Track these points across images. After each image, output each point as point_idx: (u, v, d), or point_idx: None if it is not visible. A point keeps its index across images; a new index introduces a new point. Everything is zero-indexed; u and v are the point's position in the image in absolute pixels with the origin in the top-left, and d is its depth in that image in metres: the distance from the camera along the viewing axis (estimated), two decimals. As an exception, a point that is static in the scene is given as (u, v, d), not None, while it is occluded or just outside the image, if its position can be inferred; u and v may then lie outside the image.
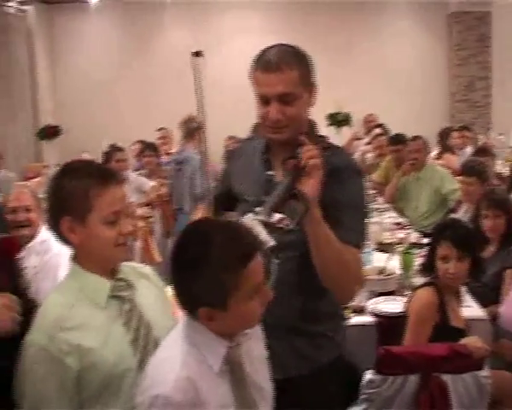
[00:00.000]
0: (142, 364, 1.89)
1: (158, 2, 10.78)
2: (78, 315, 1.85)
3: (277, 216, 1.86)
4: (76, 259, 1.96)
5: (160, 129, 8.78)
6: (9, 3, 10.32)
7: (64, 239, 1.93)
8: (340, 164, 2.15)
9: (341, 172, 2.12)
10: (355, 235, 2.10)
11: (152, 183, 6.64)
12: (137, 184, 6.53)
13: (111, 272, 1.97)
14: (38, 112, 11.02)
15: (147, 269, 2.21)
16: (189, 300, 1.68)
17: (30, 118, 10.88)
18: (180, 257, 1.70)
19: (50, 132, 8.40)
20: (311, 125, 2.24)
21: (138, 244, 5.63)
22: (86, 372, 1.83)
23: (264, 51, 2.15)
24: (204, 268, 1.61)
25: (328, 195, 2.00)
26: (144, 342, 1.96)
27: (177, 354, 1.69)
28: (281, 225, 1.86)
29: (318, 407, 2.19)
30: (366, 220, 2.24)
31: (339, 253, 2.01)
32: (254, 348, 1.88)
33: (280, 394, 2.07)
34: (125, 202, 2.01)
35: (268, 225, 1.83)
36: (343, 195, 2.08)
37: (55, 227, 1.93)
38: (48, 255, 3.54)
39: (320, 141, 2.16)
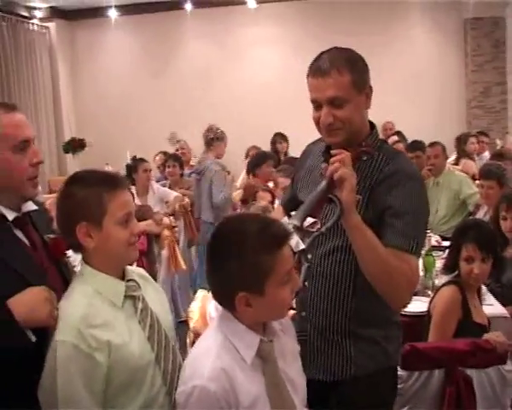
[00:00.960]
0: (158, 358, 2.03)
1: (177, 15, 10.91)
2: (100, 314, 1.95)
3: (310, 220, 1.94)
4: (89, 262, 2.04)
5: (178, 141, 8.87)
6: (32, 21, 10.56)
7: (77, 245, 2.02)
8: (397, 168, 2.16)
9: (395, 177, 2.13)
10: (406, 239, 2.07)
11: (175, 193, 6.73)
12: (161, 195, 6.63)
13: (121, 274, 2.09)
14: (61, 126, 11.19)
15: (143, 271, 2.32)
16: (228, 286, 1.76)
17: (53, 131, 11.04)
18: (218, 245, 1.81)
19: (76, 145, 8.54)
20: (372, 129, 2.28)
21: (165, 253, 5.76)
22: (114, 367, 1.93)
23: (318, 56, 2.21)
24: (243, 252, 1.72)
25: (381, 200, 2.07)
26: (158, 338, 2.07)
27: (212, 346, 1.80)
28: (313, 230, 1.95)
29: None
30: (422, 226, 2.20)
31: (382, 259, 2.02)
32: (287, 343, 1.97)
33: (325, 395, 2.18)
34: (133, 204, 2.14)
35: (300, 230, 1.90)
36: (396, 200, 2.09)
37: (70, 234, 2.00)
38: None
39: (378, 147, 2.21)
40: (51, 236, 2.23)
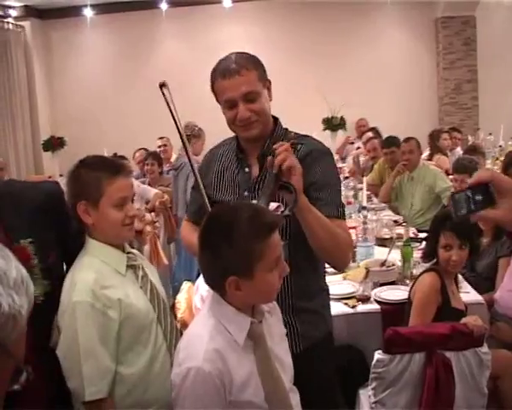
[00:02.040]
0: (159, 317, 2.30)
1: (153, 14, 10.93)
2: (109, 278, 2.21)
3: (273, 205, 2.06)
4: (92, 235, 2.29)
5: (161, 138, 8.89)
6: (6, 19, 10.50)
7: (80, 220, 2.27)
8: (310, 149, 2.39)
9: (311, 156, 2.36)
10: (336, 208, 2.32)
11: (155, 190, 6.77)
12: (141, 192, 6.67)
13: (121, 249, 2.33)
14: (37, 124, 11.16)
15: (135, 250, 2.55)
16: (219, 271, 1.84)
17: (29, 130, 11.00)
18: (210, 231, 1.89)
19: (55, 143, 8.55)
20: (275, 121, 2.48)
21: (147, 248, 5.81)
22: (125, 323, 2.18)
23: (220, 62, 2.37)
24: (234, 238, 1.79)
25: (304, 178, 2.19)
26: (157, 301, 2.33)
27: (205, 329, 1.87)
28: (278, 213, 2.06)
29: (316, 383, 2.36)
30: (340, 193, 2.47)
31: (329, 229, 2.21)
32: (274, 325, 2.07)
33: None
34: (132, 190, 2.39)
35: None
36: (317, 175, 2.31)
37: (73, 210, 2.27)
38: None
39: (288, 135, 2.37)
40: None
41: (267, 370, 1.91)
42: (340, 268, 2.60)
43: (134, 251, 2.46)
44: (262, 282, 1.84)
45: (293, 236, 2.31)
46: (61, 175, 8.90)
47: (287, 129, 2.47)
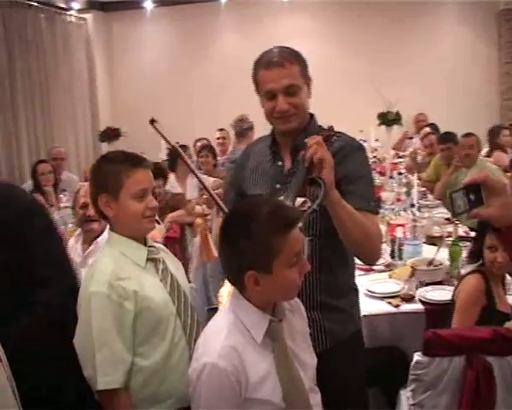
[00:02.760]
0: (178, 310, 2.32)
1: (212, 6, 10.98)
2: (126, 270, 2.25)
3: (300, 200, 2.05)
4: (114, 229, 2.35)
5: (220, 130, 8.96)
6: (69, 12, 10.73)
7: (102, 213, 2.34)
8: (343, 144, 2.39)
9: (344, 151, 2.36)
10: (368, 201, 2.32)
11: (212, 179, 6.80)
12: (197, 182, 6.77)
13: (142, 241, 2.38)
14: (98, 116, 11.35)
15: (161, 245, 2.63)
16: (238, 264, 1.84)
17: (89, 121, 11.21)
18: (230, 225, 1.90)
19: (111, 134, 8.73)
20: (312, 118, 2.49)
21: (197, 240, 5.86)
22: (141, 315, 2.21)
23: (264, 54, 2.41)
24: (252, 231, 1.79)
25: (336, 173, 2.18)
26: (178, 294, 2.35)
27: (223, 325, 1.88)
28: (304, 208, 2.05)
29: (341, 382, 2.36)
30: (373, 187, 2.49)
31: (360, 223, 2.21)
32: (296, 324, 2.06)
33: None
34: (151, 182, 2.40)
35: None
36: (349, 169, 2.31)
37: (95, 203, 2.34)
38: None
39: (322, 130, 2.37)
40: None
41: (285, 369, 1.91)
42: (371, 262, 2.55)
43: (157, 245, 2.51)
44: (281, 277, 1.83)
45: (324, 232, 2.32)
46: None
47: (321, 126, 2.47)
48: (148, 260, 2.35)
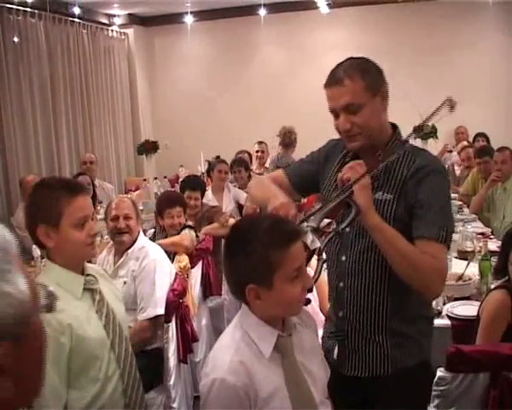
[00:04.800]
0: (112, 344, 2.29)
1: (251, 20, 11.02)
2: (61, 302, 2.11)
3: (326, 221, 2.07)
4: (51, 258, 2.27)
5: (260, 143, 9.04)
6: (111, 27, 10.94)
7: (40, 243, 2.26)
8: (423, 164, 2.23)
9: (423, 172, 2.20)
10: (437, 230, 2.13)
11: (245, 194, 6.86)
12: (234, 194, 6.85)
13: (80, 269, 2.32)
14: (139, 129, 11.53)
15: (100, 268, 2.61)
16: (239, 278, 1.85)
17: (130, 134, 11.41)
18: (232, 239, 1.91)
19: (149, 147, 8.85)
20: (394, 130, 2.36)
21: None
22: (75, 349, 2.16)
23: (334, 67, 2.29)
24: (252, 245, 1.80)
25: (411, 194, 2.16)
26: (113, 327, 2.32)
27: (231, 341, 1.90)
28: (329, 230, 2.06)
29: (401, 407, 2.28)
30: (450, 216, 2.25)
31: (405, 253, 2.09)
32: (306, 338, 2.05)
33: (364, 391, 2.26)
34: (91, 209, 2.35)
35: (316, 230, 2.03)
36: (425, 193, 2.16)
37: (33, 234, 2.25)
38: (146, 261, 3.80)
39: (398, 147, 2.27)
40: None
41: (295, 383, 1.91)
42: (429, 296, 2.35)
43: (95, 273, 2.43)
44: (282, 292, 1.83)
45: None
46: (155, 178, 9.16)
47: (407, 140, 2.33)
48: (84, 289, 2.29)
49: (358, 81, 2.20)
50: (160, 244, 4.23)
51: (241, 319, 1.95)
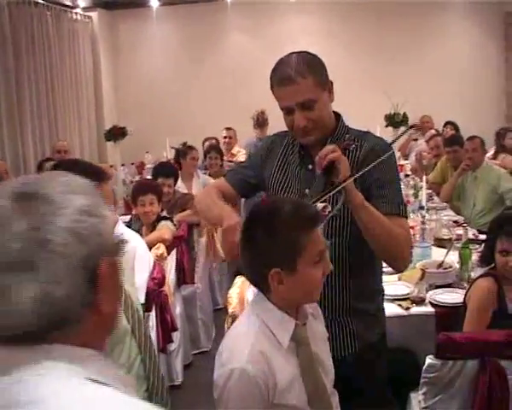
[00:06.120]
0: (133, 329, 2.31)
1: (218, 6, 10.99)
2: None
3: (320, 205, 2.04)
4: None
5: (228, 129, 8.98)
6: (75, 10, 10.74)
7: None
8: (372, 145, 2.36)
9: (374, 153, 2.28)
10: (397, 205, 2.30)
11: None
12: (203, 181, 6.79)
13: None
14: (102, 114, 11.38)
15: None
16: (262, 263, 1.82)
17: (94, 120, 11.24)
18: (253, 224, 1.88)
19: (117, 133, 8.70)
20: (337, 119, 2.45)
21: (203, 240, 5.87)
22: None
23: (278, 65, 2.33)
24: (277, 229, 1.79)
25: (367, 175, 2.20)
26: (132, 312, 2.33)
27: (249, 330, 1.85)
28: (325, 213, 2.04)
29: (369, 384, 2.37)
30: (401, 191, 2.45)
31: (387, 228, 2.19)
32: (317, 329, 2.05)
33: (335, 373, 2.27)
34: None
35: None
36: (379, 172, 2.26)
37: None
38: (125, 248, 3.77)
39: (347, 132, 2.40)
40: None
41: (310, 373, 1.89)
42: (399, 269, 2.54)
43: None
44: (305, 276, 1.82)
45: (352, 236, 2.30)
46: (122, 164, 9.05)
47: (348, 126, 2.46)
48: None
49: (309, 77, 2.25)
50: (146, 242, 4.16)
51: (256, 307, 1.92)
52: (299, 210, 1.84)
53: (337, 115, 2.46)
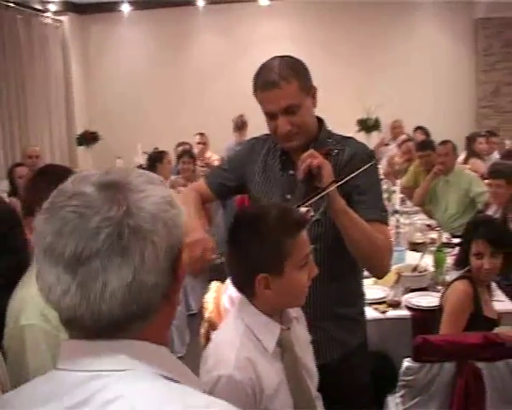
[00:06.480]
0: None
1: (189, 10, 10.94)
2: None
3: (303, 210, 2.02)
4: None
5: (201, 134, 8.94)
6: (45, 14, 10.61)
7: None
8: (354, 152, 2.34)
9: (356, 159, 2.30)
10: (379, 212, 2.28)
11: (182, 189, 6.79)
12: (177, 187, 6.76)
13: None
14: (73, 119, 11.23)
15: None
16: (249, 268, 1.81)
17: (64, 124, 11.08)
18: (240, 229, 1.86)
19: (89, 138, 8.61)
20: (320, 123, 2.44)
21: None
22: None
23: (262, 69, 2.30)
24: (264, 233, 1.78)
25: (347, 182, 2.17)
26: None
27: (235, 336, 1.82)
28: (308, 217, 2.01)
29: (351, 389, 2.36)
30: (382, 196, 2.44)
31: (368, 234, 2.17)
32: (301, 332, 2.04)
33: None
34: None
35: None
36: (361, 179, 2.22)
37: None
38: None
39: (330, 137, 2.39)
40: None
41: (296, 378, 1.88)
42: (379, 275, 2.49)
43: None
44: (292, 280, 1.81)
45: (333, 242, 2.28)
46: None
47: (330, 131, 2.45)
48: None
49: (294, 82, 2.24)
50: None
51: (241, 312, 1.89)
52: (286, 214, 1.83)
53: (320, 120, 2.45)
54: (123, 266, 0.98)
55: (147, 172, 1.12)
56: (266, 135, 2.51)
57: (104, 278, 0.98)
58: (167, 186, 1.13)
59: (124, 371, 1.00)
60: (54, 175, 2.11)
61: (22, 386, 1.11)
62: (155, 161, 6.67)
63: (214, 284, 3.62)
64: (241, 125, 8.52)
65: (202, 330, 3.49)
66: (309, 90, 2.31)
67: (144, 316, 1.04)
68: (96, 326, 1.01)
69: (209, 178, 2.68)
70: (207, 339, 2.42)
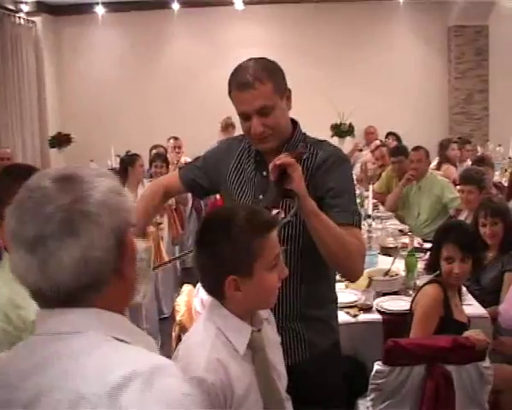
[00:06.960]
0: None
1: (164, 13, 10.91)
2: (23, 296, 1.90)
3: (274, 212, 2.02)
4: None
5: (175, 139, 8.88)
6: (18, 14, 10.50)
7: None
8: (327, 155, 2.34)
9: (329, 162, 2.31)
10: (351, 215, 2.27)
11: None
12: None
13: None
14: (46, 121, 11.11)
15: None
16: (218, 270, 1.79)
17: (37, 126, 10.96)
18: (208, 231, 1.85)
19: (62, 140, 8.53)
20: (294, 126, 2.44)
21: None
22: None
23: (237, 70, 2.31)
24: (233, 235, 1.77)
25: (321, 185, 2.22)
26: None
27: (206, 338, 1.81)
28: (278, 219, 2.02)
29: (321, 392, 2.35)
30: (356, 201, 2.46)
31: (339, 237, 2.16)
32: (271, 334, 2.03)
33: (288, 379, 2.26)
34: None
35: None
36: (334, 182, 2.27)
37: None
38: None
39: (304, 140, 2.39)
40: None
41: (266, 379, 1.87)
42: (352, 278, 2.53)
43: None
44: (262, 281, 1.80)
45: (305, 244, 2.28)
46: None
47: (305, 134, 2.45)
48: None
49: (268, 83, 2.24)
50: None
51: (211, 314, 1.88)
52: (255, 215, 1.83)
53: (294, 123, 2.45)
54: (74, 244, 1.16)
55: (98, 167, 1.25)
56: (242, 135, 2.50)
57: (58, 255, 1.16)
58: (117, 179, 1.31)
59: (79, 333, 1.18)
60: (18, 174, 2.12)
61: (8, 354, 1.34)
62: (127, 164, 6.57)
63: (186, 288, 3.61)
64: (225, 127, 8.61)
65: (173, 334, 3.48)
66: (283, 92, 2.31)
67: (96, 288, 1.21)
68: (56, 297, 1.19)
69: (182, 171, 2.72)
70: (179, 342, 2.39)
